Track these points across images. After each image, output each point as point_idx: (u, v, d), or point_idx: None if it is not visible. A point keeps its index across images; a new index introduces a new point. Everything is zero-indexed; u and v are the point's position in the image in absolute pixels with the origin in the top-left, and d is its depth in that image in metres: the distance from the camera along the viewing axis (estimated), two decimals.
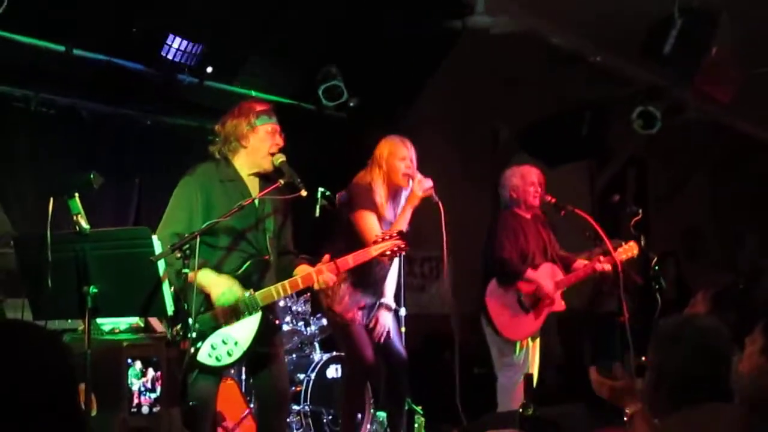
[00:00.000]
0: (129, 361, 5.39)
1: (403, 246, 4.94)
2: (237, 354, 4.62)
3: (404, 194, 5.84)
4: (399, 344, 6.10)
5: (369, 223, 5.70)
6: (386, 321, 5.99)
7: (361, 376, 6.07)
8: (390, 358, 6.08)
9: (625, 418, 3.26)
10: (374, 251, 4.90)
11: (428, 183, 5.66)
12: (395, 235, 4.94)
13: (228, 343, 4.60)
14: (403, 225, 5.59)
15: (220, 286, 4.55)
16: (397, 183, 5.82)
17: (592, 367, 3.37)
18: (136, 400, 5.40)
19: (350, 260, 4.87)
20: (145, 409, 5.38)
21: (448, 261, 5.74)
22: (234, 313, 4.60)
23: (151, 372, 5.45)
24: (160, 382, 5.52)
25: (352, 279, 5.82)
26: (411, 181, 5.73)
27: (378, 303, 6.01)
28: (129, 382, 5.38)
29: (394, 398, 6.20)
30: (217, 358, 4.60)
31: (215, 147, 4.83)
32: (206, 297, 4.53)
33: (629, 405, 3.18)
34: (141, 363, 5.44)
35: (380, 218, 5.77)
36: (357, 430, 6.53)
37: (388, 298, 6.08)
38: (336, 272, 4.77)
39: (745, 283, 8.29)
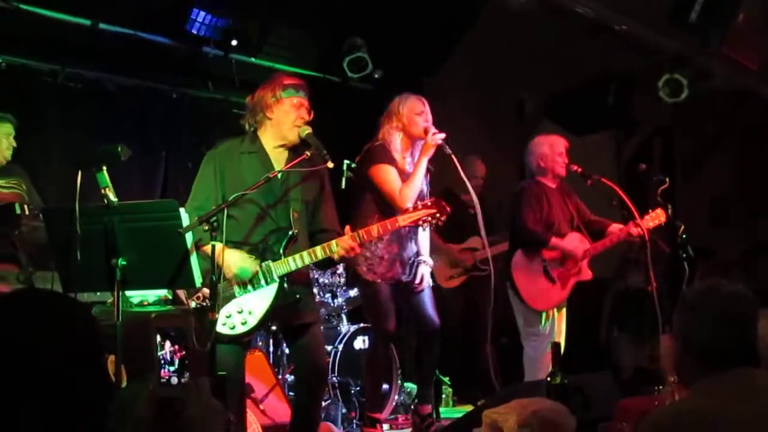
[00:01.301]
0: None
1: (436, 214, 4.69)
2: (251, 323, 4.62)
3: (419, 145, 5.85)
4: (431, 311, 6.03)
5: (389, 175, 5.71)
6: (428, 276, 6.00)
7: (380, 342, 6.10)
8: (421, 325, 6.06)
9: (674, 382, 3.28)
10: (402, 221, 4.74)
11: (441, 135, 5.66)
12: (429, 204, 4.72)
13: (243, 312, 4.61)
14: (420, 176, 5.66)
15: (236, 264, 4.55)
16: (417, 135, 5.82)
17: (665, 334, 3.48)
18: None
19: (374, 230, 4.73)
20: (174, 380, 5.43)
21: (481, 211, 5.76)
22: (248, 281, 4.63)
23: (168, 345, 5.48)
24: (178, 354, 5.56)
25: (388, 236, 5.76)
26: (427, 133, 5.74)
27: (417, 260, 5.98)
28: (161, 353, 5.42)
29: (423, 368, 6.21)
30: (231, 327, 4.61)
31: (245, 119, 4.88)
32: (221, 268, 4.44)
33: None
34: (166, 337, 5.47)
35: (399, 171, 5.78)
36: (384, 400, 6.57)
37: (425, 255, 6.07)
38: (360, 242, 4.68)
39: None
